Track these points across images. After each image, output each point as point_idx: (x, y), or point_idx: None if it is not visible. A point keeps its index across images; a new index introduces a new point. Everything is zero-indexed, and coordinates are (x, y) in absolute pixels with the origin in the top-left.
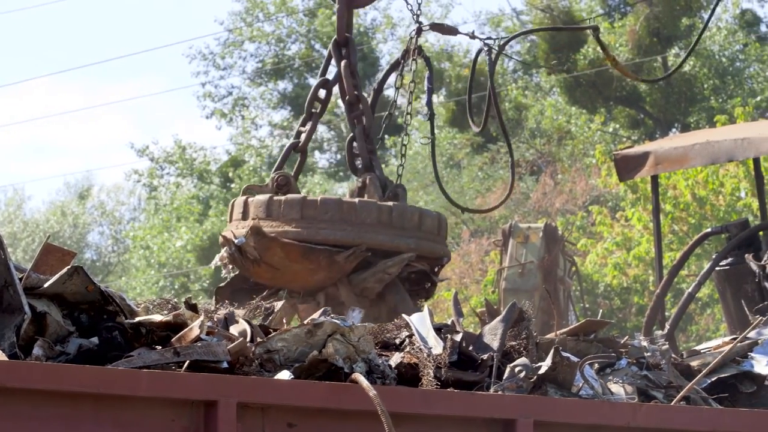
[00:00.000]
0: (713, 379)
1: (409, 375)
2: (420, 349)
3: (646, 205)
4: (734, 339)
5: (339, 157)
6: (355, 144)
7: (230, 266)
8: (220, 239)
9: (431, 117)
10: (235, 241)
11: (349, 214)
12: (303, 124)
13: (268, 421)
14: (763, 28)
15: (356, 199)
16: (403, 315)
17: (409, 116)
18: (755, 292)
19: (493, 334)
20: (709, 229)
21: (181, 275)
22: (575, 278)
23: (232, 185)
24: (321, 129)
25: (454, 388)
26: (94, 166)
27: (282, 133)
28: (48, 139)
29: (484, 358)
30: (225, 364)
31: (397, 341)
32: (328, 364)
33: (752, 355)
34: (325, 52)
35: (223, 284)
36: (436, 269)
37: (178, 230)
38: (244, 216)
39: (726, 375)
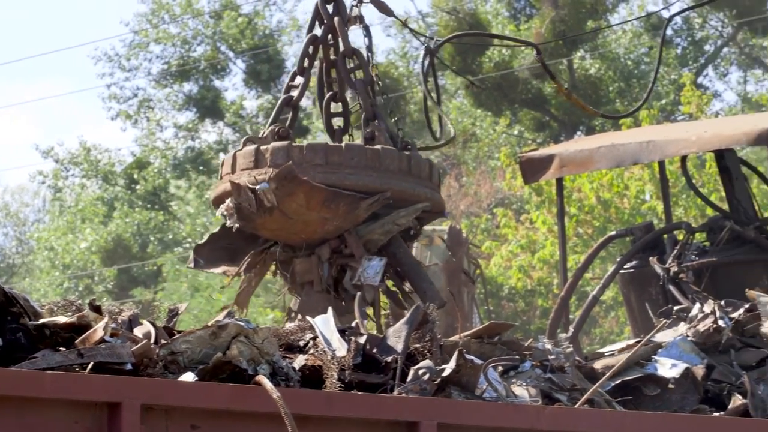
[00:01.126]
0: (617, 382)
1: (313, 377)
2: (324, 351)
3: (551, 208)
4: (638, 342)
5: None
6: (333, 104)
7: (235, 216)
8: (223, 188)
9: (372, 83)
10: (257, 186)
11: (373, 160)
12: (292, 80)
13: (172, 423)
14: (668, 31)
15: (379, 146)
16: (307, 317)
17: (376, 68)
18: (659, 295)
19: (397, 337)
20: (613, 232)
21: (85, 277)
22: (479, 281)
23: (137, 187)
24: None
25: (358, 390)
26: None
27: (187, 135)
28: None
29: (388, 360)
30: (129, 366)
31: (301, 343)
32: (232, 366)
33: (656, 358)
34: (231, 54)
35: (201, 242)
36: (416, 229)
37: (83, 232)
38: (257, 164)
39: (630, 378)
